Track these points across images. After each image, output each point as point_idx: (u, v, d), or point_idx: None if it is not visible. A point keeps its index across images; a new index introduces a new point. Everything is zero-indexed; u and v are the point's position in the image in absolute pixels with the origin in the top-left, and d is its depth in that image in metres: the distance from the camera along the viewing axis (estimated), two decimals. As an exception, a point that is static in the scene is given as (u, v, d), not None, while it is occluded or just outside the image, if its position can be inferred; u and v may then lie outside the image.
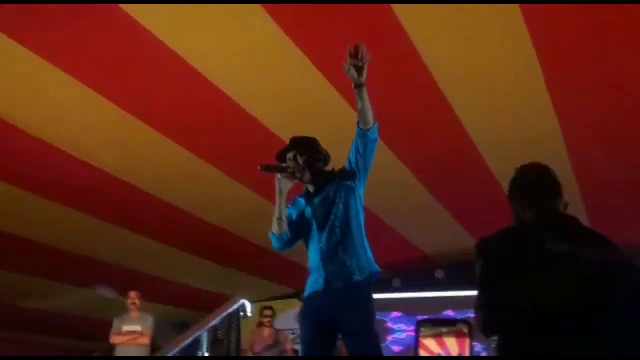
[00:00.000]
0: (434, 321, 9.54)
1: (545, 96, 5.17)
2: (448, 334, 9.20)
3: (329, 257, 3.48)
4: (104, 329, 7.59)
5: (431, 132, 5.85)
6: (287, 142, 3.69)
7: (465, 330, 9.13)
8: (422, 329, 9.38)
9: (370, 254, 3.53)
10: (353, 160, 3.52)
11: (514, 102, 5.40)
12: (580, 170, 6.42)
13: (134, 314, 7.55)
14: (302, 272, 8.05)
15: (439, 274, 10.37)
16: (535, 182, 2.44)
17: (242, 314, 3.72)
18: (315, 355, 3.45)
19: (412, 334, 9.63)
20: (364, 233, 3.56)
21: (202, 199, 6.89)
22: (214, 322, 3.62)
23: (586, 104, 5.35)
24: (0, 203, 6.19)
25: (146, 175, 6.25)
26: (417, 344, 9.33)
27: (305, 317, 3.55)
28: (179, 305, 10.33)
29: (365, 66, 3.21)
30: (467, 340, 9.07)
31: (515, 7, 4.18)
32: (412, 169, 6.51)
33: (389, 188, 6.09)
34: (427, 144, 6.06)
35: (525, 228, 2.36)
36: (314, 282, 3.54)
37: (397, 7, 4.21)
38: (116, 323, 7.53)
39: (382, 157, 5.66)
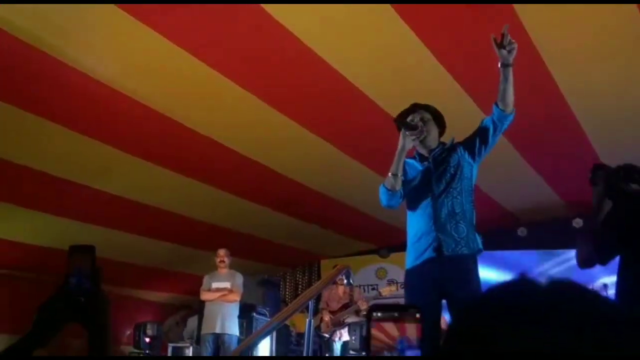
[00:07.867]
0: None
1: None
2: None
3: (440, 225, 3.48)
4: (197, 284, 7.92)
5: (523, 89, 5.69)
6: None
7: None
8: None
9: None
10: (483, 138, 3.52)
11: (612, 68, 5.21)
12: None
13: (223, 271, 7.71)
14: (382, 229, 8.14)
15: (522, 232, 10.15)
16: None
17: (345, 281, 3.74)
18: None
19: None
20: (474, 211, 3.56)
21: (287, 156, 7.00)
22: (322, 288, 3.67)
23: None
24: (110, 168, 6.68)
25: (241, 137, 6.48)
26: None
27: (414, 285, 3.53)
28: (258, 261, 10.57)
29: (515, 49, 3.23)
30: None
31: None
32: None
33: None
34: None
35: None
36: (423, 249, 3.51)
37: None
38: (206, 280, 7.73)
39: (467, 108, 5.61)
